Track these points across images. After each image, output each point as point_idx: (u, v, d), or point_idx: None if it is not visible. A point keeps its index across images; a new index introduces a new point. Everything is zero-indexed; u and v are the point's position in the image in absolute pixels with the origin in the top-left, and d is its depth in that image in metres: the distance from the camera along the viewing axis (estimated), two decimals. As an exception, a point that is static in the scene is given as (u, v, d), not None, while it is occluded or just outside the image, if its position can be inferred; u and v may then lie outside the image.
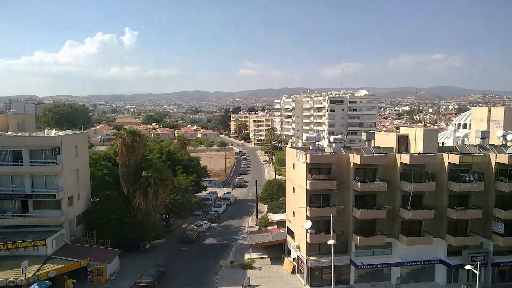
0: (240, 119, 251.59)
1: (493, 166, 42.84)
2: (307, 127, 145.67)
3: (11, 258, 41.84)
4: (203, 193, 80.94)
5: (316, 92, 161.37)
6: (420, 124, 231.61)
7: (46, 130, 53.01)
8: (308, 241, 42.54)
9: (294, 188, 47.56)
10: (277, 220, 60.71)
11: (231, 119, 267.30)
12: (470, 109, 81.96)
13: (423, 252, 43.27)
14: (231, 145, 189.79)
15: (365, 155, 42.06)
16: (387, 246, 44.01)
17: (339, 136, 53.24)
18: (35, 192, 46.50)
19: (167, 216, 63.77)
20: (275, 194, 71.89)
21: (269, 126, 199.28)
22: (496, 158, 42.71)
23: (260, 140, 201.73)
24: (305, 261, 43.83)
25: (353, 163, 42.50)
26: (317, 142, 48.79)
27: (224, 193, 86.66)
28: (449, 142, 51.74)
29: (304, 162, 42.51)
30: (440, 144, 51.89)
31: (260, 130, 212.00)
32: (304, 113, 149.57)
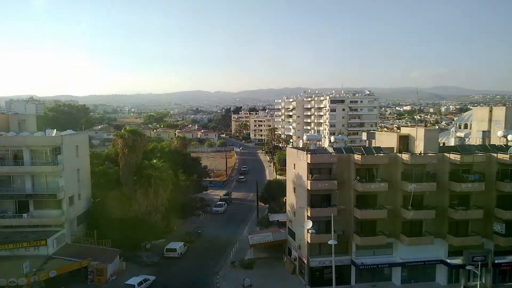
0: (241, 119, 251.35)
1: (495, 166, 42.84)
2: (308, 127, 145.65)
3: (12, 258, 41.85)
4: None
5: (317, 92, 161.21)
6: (421, 124, 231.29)
7: (47, 130, 53.00)
8: (309, 241, 42.50)
9: (294, 188, 47.52)
10: (278, 220, 60.69)
11: (232, 119, 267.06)
12: (471, 109, 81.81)
13: (424, 252, 43.24)
14: (232, 145, 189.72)
15: (366, 155, 42.03)
16: (388, 246, 43.97)
17: (340, 136, 53.27)
18: (36, 192, 46.56)
19: (168, 215, 63.61)
20: (276, 194, 71.80)
21: (270, 126, 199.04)
22: (497, 158, 42.67)
23: (261, 140, 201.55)
24: (306, 261, 43.79)
25: (354, 163, 42.48)
26: (318, 142, 48.77)
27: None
28: (450, 142, 51.74)
29: (305, 162, 42.48)
30: (441, 144, 51.88)
31: (261, 130, 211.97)
32: (305, 113, 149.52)
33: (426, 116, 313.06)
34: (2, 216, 45.91)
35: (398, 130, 60.54)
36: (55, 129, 53.56)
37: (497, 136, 48.48)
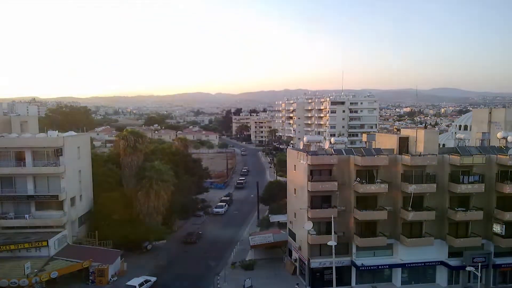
0: (241, 121, 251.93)
1: (494, 168, 42.97)
2: (309, 129, 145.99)
3: (14, 258, 42.08)
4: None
5: (317, 93, 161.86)
6: (421, 126, 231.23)
7: (48, 132, 53.21)
8: (309, 242, 42.66)
9: (295, 189, 47.66)
10: (279, 221, 60.85)
11: (233, 120, 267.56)
12: (471, 110, 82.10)
13: (424, 254, 43.34)
14: (233, 146, 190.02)
15: (366, 156, 42.19)
16: (388, 247, 44.07)
17: (340, 138, 53.41)
18: (38, 193, 46.79)
19: (169, 216, 63.81)
20: (276, 195, 71.95)
21: (270, 127, 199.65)
22: (497, 160, 42.82)
23: (262, 141, 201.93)
24: (306, 262, 43.92)
25: (354, 164, 42.66)
26: (318, 144, 48.92)
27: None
28: (450, 144, 51.88)
29: (305, 164, 42.65)
30: (441, 146, 52.02)
31: (262, 132, 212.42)
32: (305, 115, 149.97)
33: (426, 118, 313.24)
34: (3, 217, 46.14)
35: (398, 132, 60.75)
36: (57, 131, 53.77)
37: (497, 138, 48.62)
